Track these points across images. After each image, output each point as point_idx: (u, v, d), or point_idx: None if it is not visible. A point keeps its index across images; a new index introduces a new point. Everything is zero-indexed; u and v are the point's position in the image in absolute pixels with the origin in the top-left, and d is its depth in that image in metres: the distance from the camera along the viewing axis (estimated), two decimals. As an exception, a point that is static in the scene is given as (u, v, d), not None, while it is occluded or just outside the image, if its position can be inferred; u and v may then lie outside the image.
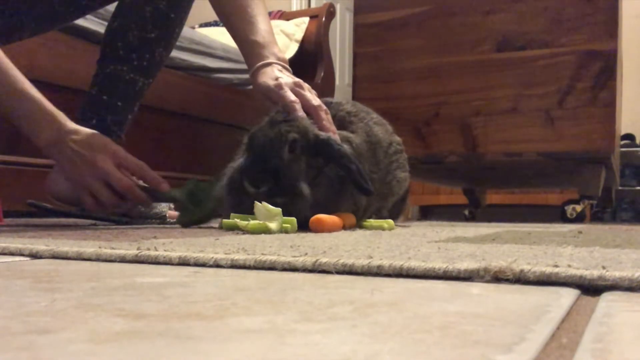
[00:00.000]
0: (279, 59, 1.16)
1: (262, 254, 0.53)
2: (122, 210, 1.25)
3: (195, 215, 1.14)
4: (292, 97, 1.09)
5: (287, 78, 1.12)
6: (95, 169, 1.05)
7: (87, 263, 0.55)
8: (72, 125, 1.06)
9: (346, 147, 1.04)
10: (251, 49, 1.17)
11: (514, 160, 2.12)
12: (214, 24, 2.88)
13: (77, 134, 1.05)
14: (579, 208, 2.12)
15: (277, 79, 1.11)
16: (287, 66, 1.17)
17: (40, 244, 0.64)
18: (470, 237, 0.86)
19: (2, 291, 0.38)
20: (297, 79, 1.14)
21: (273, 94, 1.10)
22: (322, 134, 1.04)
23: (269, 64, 1.14)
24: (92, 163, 1.05)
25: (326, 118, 1.10)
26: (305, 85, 1.14)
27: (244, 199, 0.99)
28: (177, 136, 2.16)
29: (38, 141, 1.06)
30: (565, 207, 2.16)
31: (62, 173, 1.21)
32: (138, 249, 0.57)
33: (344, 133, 1.14)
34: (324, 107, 1.11)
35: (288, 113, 1.06)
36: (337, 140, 1.04)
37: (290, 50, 2.73)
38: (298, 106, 1.08)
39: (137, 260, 0.55)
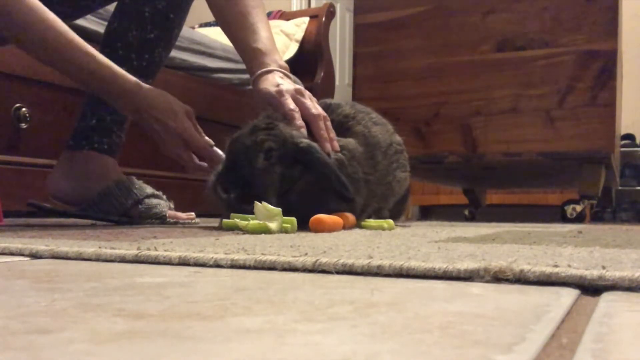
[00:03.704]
0: (280, 66, 1.17)
1: (262, 254, 0.53)
2: (123, 210, 1.25)
3: None
4: (291, 105, 1.09)
5: (288, 85, 1.13)
6: (177, 136, 1.13)
7: (87, 263, 0.55)
8: (144, 91, 1.12)
9: (326, 155, 1.03)
10: (253, 57, 1.17)
11: (514, 160, 2.12)
12: (214, 24, 2.88)
13: (152, 104, 1.11)
14: (579, 208, 2.12)
15: (278, 85, 1.12)
16: (289, 73, 1.18)
17: (40, 244, 0.63)
18: (470, 237, 0.86)
19: (2, 291, 0.38)
20: (298, 86, 1.14)
21: (274, 101, 1.11)
22: (303, 142, 1.03)
23: (271, 71, 1.15)
24: (173, 131, 1.12)
25: (325, 126, 1.10)
26: (307, 93, 1.14)
27: (218, 202, 1.03)
28: (177, 136, 2.15)
29: (121, 112, 1.20)
30: (565, 207, 2.16)
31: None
32: (138, 249, 0.57)
33: (339, 139, 1.14)
34: (324, 115, 1.12)
35: (287, 121, 1.07)
36: (318, 149, 1.03)
37: (290, 50, 2.73)
38: (297, 115, 1.08)
39: (137, 260, 0.55)
